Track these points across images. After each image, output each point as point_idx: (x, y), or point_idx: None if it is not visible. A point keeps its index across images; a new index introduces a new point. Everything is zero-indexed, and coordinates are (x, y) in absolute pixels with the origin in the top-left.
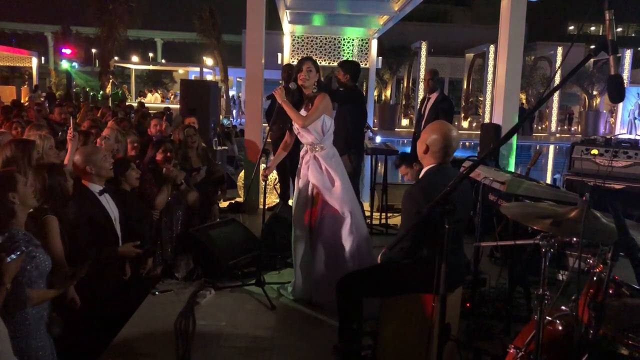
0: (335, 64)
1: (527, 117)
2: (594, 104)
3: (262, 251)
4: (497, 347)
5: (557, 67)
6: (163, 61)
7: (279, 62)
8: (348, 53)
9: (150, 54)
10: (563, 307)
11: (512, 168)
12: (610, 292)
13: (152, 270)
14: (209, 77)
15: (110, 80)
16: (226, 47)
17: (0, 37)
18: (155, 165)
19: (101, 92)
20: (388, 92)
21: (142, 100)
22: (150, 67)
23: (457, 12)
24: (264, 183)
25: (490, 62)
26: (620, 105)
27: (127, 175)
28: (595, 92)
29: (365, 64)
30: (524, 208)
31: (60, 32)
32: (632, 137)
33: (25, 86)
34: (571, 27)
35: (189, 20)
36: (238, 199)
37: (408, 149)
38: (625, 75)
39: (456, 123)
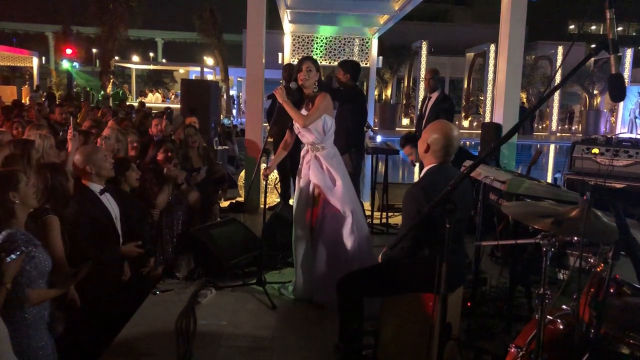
0: (336, 63)
1: (528, 117)
2: (595, 103)
3: (263, 251)
4: (498, 347)
5: (557, 67)
6: (164, 61)
7: (280, 61)
8: (348, 52)
9: (151, 54)
10: (564, 307)
11: (512, 167)
12: (611, 291)
13: (153, 270)
14: (210, 77)
15: (111, 80)
16: (227, 47)
17: (1, 37)
18: (156, 165)
19: (102, 93)
20: (389, 92)
21: (143, 100)
22: (151, 66)
23: (458, 11)
24: (264, 182)
25: (491, 62)
26: (621, 104)
27: (127, 176)
28: (596, 91)
29: (366, 64)
30: (524, 207)
31: (60, 32)
32: (633, 136)
33: (26, 86)
34: (572, 27)
35: (189, 20)
36: (239, 199)
37: None
38: (626, 74)
39: (457, 122)
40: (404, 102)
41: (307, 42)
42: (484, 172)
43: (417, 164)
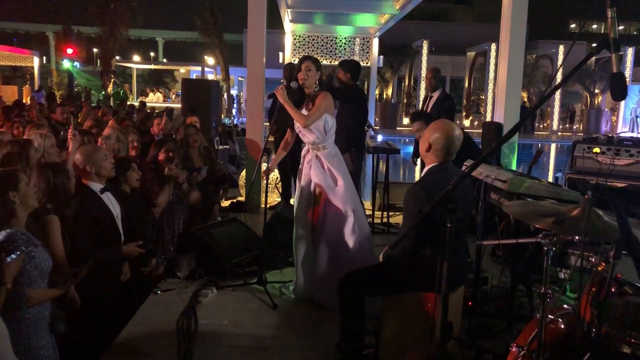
0: (337, 62)
1: (529, 116)
2: (596, 102)
3: (264, 250)
4: (499, 346)
5: (558, 66)
6: (164, 60)
7: (280, 61)
8: (349, 52)
9: (152, 53)
10: (565, 306)
11: (513, 166)
12: (613, 290)
13: (154, 269)
14: (210, 76)
15: (112, 80)
16: (227, 46)
17: (1, 36)
18: (157, 164)
19: (103, 92)
20: (389, 91)
21: (144, 100)
22: (152, 66)
23: (459, 10)
24: (265, 182)
25: (492, 61)
26: (622, 103)
27: (128, 176)
28: (597, 90)
29: (367, 63)
30: (525, 206)
31: (61, 31)
32: (634, 135)
33: (27, 86)
34: (573, 25)
35: (190, 20)
36: (240, 198)
37: (410, 148)
38: (627, 73)
39: (458, 121)
40: (405, 101)
41: (308, 42)
42: (485, 171)
43: (419, 161)
